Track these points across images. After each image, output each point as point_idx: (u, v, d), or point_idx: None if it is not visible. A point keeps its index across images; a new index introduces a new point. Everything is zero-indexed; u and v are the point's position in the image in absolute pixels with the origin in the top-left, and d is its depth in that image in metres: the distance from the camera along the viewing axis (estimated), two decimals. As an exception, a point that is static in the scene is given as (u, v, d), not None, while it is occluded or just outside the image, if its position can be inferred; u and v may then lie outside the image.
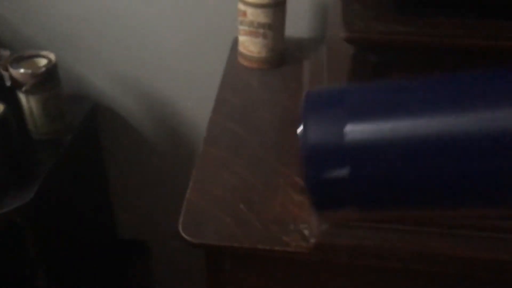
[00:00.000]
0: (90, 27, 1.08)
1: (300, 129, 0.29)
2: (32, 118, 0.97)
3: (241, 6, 0.85)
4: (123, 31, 1.08)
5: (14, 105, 0.93)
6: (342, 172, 0.26)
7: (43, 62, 0.95)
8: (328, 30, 0.91)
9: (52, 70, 0.94)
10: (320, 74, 0.86)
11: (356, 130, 0.26)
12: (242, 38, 0.89)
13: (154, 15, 1.05)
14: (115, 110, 1.21)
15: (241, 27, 0.88)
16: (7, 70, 0.93)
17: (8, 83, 0.94)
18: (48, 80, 0.94)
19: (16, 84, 0.92)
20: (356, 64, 0.44)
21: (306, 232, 0.58)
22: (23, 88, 0.92)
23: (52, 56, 0.96)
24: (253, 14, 0.85)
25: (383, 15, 0.44)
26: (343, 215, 0.32)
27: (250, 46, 0.89)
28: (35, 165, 0.97)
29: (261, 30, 0.86)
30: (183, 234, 0.58)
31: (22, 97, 0.94)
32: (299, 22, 1.01)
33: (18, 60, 0.94)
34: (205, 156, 0.69)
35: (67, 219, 1.10)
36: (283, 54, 0.91)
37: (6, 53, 1.01)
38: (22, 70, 0.91)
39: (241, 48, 0.91)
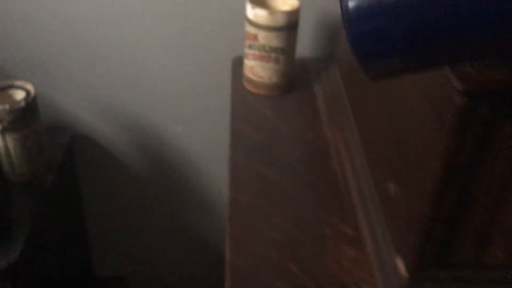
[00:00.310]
0: (64, 52, 0.97)
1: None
2: (9, 158, 0.85)
3: (251, 29, 0.77)
4: (102, 55, 0.97)
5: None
6: (380, 23, 0.31)
7: (20, 94, 0.83)
8: (340, 51, 0.85)
9: (31, 104, 0.82)
10: (337, 99, 0.80)
11: None
12: (250, 63, 0.81)
13: (135, 35, 0.95)
14: (95, 140, 1.09)
15: (249, 51, 0.80)
16: (-22, 106, 0.80)
17: (-20, 121, 0.81)
18: (27, 115, 0.82)
19: (-9, 122, 0.80)
20: (465, 117, 0.37)
21: (370, 293, 0.51)
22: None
23: (30, 87, 0.84)
24: (266, 38, 0.77)
25: (491, 61, 0.38)
26: (388, 68, 0.34)
27: (260, 71, 0.81)
28: (15, 213, 0.84)
29: (273, 55, 0.79)
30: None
31: (-2, 136, 0.82)
32: (301, 41, 0.94)
33: (-9, 94, 0.81)
34: (236, 206, 0.61)
35: (44, 261, 0.97)
36: (294, 78, 0.84)
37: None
38: (-2, 106, 0.79)
39: (248, 73, 0.83)
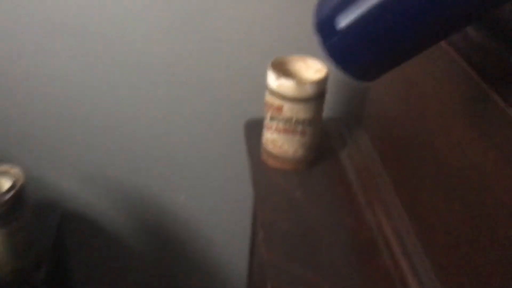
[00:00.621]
0: (51, 124, 0.86)
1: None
2: (-7, 257, 0.72)
3: (275, 101, 0.68)
4: (93, 124, 0.87)
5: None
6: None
7: (5, 182, 0.71)
8: (368, 113, 0.76)
9: (19, 195, 0.70)
10: (371, 170, 0.71)
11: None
12: (272, 136, 0.72)
13: (128, 100, 0.85)
14: (87, 218, 0.97)
15: (271, 124, 0.71)
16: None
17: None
18: (15, 208, 0.70)
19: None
20: None
21: None
22: (-18, 225, 0.68)
23: (17, 173, 0.72)
24: (292, 110, 0.68)
25: None
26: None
27: (285, 145, 0.71)
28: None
29: (299, 127, 0.70)
30: None
31: (-20, 235, 0.69)
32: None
33: (-29, 185, 0.69)
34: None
35: None
36: (318, 148, 0.75)
37: None
38: (-20, 202, 0.67)
39: (269, 147, 0.73)
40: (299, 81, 0.66)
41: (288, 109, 0.68)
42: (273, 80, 0.67)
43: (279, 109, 0.68)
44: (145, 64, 0.81)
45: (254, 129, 0.82)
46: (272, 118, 0.70)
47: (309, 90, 0.66)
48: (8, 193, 0.69)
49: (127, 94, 0.84)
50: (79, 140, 0.88)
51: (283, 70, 0.71)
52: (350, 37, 0.36)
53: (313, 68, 0.72)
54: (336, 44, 0.37)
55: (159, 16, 0.78)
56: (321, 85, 0.67)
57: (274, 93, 0.68)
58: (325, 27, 0.37)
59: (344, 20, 0.36)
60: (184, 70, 0.83)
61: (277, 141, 0.72)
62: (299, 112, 0.68)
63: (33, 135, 0.86)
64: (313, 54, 0.70)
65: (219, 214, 1.00)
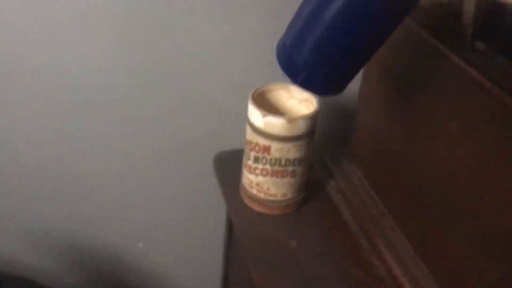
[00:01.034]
0: None
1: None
2: None
3: (260, 140, 0.58)
4: (23, 169, 0.72)
5: None
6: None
7: None
8: (358, 139, 0.69)
9: None
10: (366, 205, 0.63)
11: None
12: (257, 179, 0.62)
13: (60, 139, 0.71)
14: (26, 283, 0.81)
15: (256, 165, 0.61)
16: None
17: None
18: None
19: None
20: None
21: None
22: None
23: None
24: (282, 150, 0.58)
25: None
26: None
27: (272, 188, 0.62)
28: None
29: (290, 168, 0.60)
30: None
31: None
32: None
33: None
34: None
35: None
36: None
37: None
38: None
39: (254, 191, 0.63)
40: (290, 118, 0.56)
41: (277, 149, 0.58)
42: (258, 118, 0.57)
43: (266, 149, 0.58)
44: (86, 97, 0.68)
45: (224, 163, 0.72)
46: (256, 159, 0.60)
47: (301, 127, 0.57)
48: None
49: (66, 132, 0.70)
50: (7, 188, 0.73)
51: (264, 102, 0.61)
52: (313, 69, 0.42)
53: (297, 98, 0.63)
54: (305, 79, 0.43)
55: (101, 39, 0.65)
56: (314, 120, 0.58)
57: (259, 132, 0.58)
58: (289, 68, 0.43)
59: (302, 58, 0.42)
60: (133, 102, 0.70)
61: (263, 184, 0.62)
62: (290, 151, 0.58)
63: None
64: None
65: (185, 263, 0.88)
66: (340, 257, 0.59)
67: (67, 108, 0.67)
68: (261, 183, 0.62)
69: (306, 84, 0.43)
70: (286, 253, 0.59)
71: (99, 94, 0.68)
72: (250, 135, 0.59)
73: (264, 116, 0.56)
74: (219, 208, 0.82)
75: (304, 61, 0.42)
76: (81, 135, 0.70)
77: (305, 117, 0.57)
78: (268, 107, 0.59)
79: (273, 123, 0.56)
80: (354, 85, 0.59)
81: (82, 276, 0.85)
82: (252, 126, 0.58)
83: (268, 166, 0.60)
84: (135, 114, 0.71)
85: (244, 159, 0.63)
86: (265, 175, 0.61)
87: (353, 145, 0.70)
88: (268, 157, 0.59)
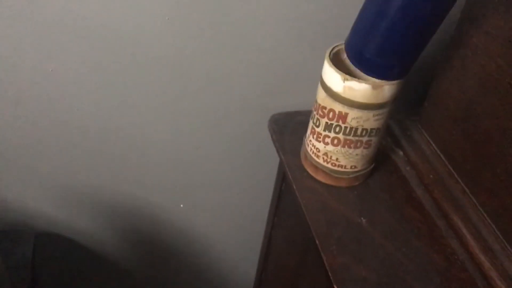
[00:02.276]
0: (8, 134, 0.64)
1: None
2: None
3: (337, 106, 0.52)
4: (66, 128, 0.66)
5: None
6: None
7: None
8: (432, 105, 0.62)
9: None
10: (441, 178, 0.57)
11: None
12: (326, 148, 0.56)
13: (112, 94, 0.65)
14: (63, 240, 0.78)
15: (328, 133, 0.54)
16: None
17: None
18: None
19: None
20: None
21: None
22: None
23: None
24: (360, 119, 0.52)
25: None
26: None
27: (342, 159, 0.56)
28: None
29: (365, 139, 0.54)
30: None
31: None
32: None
33: None
34: None
35: None
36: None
37: None
38: None
39: (321, 161, 0.57)
40: (375, 83, 0.49)
41: (355, 118, 0.52)
42: (338, 82, 0.50)
43: (342, 117, 0.52)
44: (143, 60, 0.61)
45: (282, 128, 0.66)
46: (328, 127, 0.54)
47: (386, 94, 0.50)
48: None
49: (111, 92, 0.64)
50: (49, 148, 0.67)
51: (338, 63, 0.54)
52: (382, 59, 0.48)
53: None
54: (376, 68, 0.49)
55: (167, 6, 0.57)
56: (399, 87, 0.51)
57: (336, 97, 0.51)
58: (359, 61, 0.50)
59: (370, 51, 0.48)
60: (188, 63, 0.63)
61: (332, 154, 0.56)
62: (368, 121, 0.52)
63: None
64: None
65: (228, 227, 0.84)
66: (414, 238, 0.54)
67: (117, 64, 0.61)
68: (330, 153, 0.56)
69: (378, 73, 0.49)
70: (355, 230, 0.54)
71: (155, 52, 0.61)
72: (323, 99, 0.53)
73: (345, 80, 0.49)
74: (268, 172, 0.77)
75: (373, 53, 0.48)
76: (130, 92, 0.64)
77: (392, 84, 0.50)
78: (343, 69, 0.52)
79: (355, 89, 0.49)
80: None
81: (120, 236, 0.82)
82: (328, 90, 0.52)
83: (341, 135, 0.54)
84: (188, 71, 0.64)
85: (312, 124, 0.57)
86: (336, 145, 0.55)
87: (428, 113, 0.63)
88: (343, 126, 0.53)
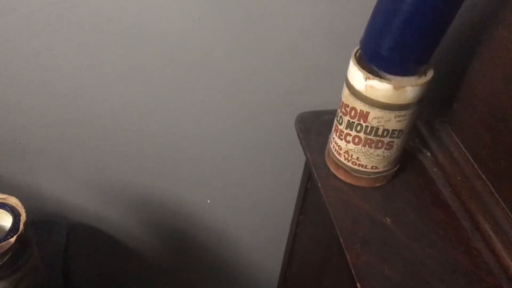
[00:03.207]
0: (43, 127, 0.67)
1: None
2: (-7, 312, 0.56)
3: (359, 105, 0.52)
4: (100, 122, 0.68)
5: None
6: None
7: (3, 220, 0.54)
8: (466, 109, 0.61)
9: (25, 236, 0.53)
10: (469, 182, 0.57)
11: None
12: (348, 147, 0.56)
13: (140, 97, 0.67)
14: (95, 232, 0.81)
15: (349, 132, 0.55)
16: None
17: None
18: (21, 253, 0.53)
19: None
20: None
21: None
22: (-22, 281, 0.51)
23: (18, 206, 0.54)
24: (381, 119, 0.52)
25: None
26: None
27: (363, 158, 0.56)
28: None
29: (386, 139, 0.54)
30: None
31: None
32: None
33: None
34: None
35: None
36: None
37: None
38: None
39: (342, 159, 0.58)
40: (397, 84, 0.49)
41: (376, 117, 0.52)
42: (359, 80, 0.50)
43: (364, 116, 0.52)
44: (173, 59, 0.63)
45: (309, 126, 0.67)
46: (350, 125, 0.54)
47: (408, 96, 0.50)
48: (8, 238, 0.51)
49: (143, 89, 0.66)
50: (84, 143, 0.70)
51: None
52: (398, 55, 0.49)
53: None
54: (392, 64, 0.50)
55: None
56: (424, 90, 0.51)
57: (358, 95, 0.51)
58: (375, 59, 0.50)
59: (386, 49, 0.49)
60: (217, 61, 0.65)
61: (353, 152, 0.56)
62: (390, 121, 0.52)
63: (25, 140, 0.68)
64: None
65: (254, 224, 0.85)
66: (439, 238, 0.54)
67: (148, 63, 0.63)
68: (351, 151, 0.56)
69: (394, 69, 0.50)
70: (380, 230, 0.54)
71: (185, 51, 0.62)
72: (346, 98, 0.53)
73: (366, 78, 0.50)
74: (294, 171, 0.78)
75: (388, 50, 0.48)
76: (160, 90, 0.66)
77: (415, 85, 0.50)
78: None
79: (377, 88, 0.50)
80: (452, 51, 0.52)
81: (148, 229, 0.84)
82: (351, 88, 0.52)
83: (361, 134, 0.54)
84: (217, 69, 0.65)
85: (335, 122, 0.57)
86: (357, 143, 0.55)
87: (457, 114, 0.62)
88: (364, 125, 0.53)
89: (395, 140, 0.55)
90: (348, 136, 0.56)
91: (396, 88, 0.49)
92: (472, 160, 0.59)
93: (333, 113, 0.62)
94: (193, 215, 0.83)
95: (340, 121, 0.56)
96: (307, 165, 0.73)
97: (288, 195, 0.82)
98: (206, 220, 0.85)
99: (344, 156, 0.57)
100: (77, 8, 0.57)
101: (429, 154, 0.64)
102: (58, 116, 0.66)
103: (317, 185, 0.60)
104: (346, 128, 0.55)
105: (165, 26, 0.60)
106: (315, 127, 0.68)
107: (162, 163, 0.75)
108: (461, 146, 0.61)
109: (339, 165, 0.59)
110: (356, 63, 0.51)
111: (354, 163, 0.57)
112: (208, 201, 0.82)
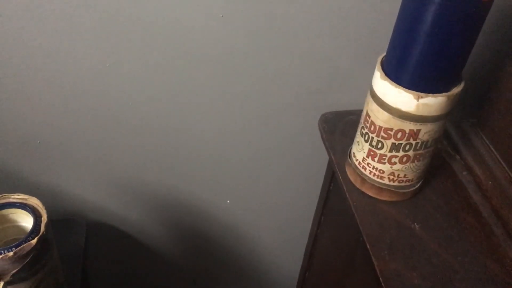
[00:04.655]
0: (61, 124, 0.66)
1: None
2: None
3: (407, 126, 0.49)
4: (117, 120, 0.68)
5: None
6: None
7: (24, 221, 0.53)
8: (497, 111, 0.59)
9: (46, 237, 0.52)
10: (502, 187, 0.55)
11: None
12: (395, 168, 0.53)
13: (161, 95, 0.66)
14: (114, 231, 0.80)
15: (396, 154, 0.51)
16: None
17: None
18: (40, 255, 0.52)
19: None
20: None
21: None
22: (1, 282, 0.50)
23: (39, 207, 0.54)
24: (431, 132, 0.49)
25: None
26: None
27: (410, 174, 0.54)
28: None
29: (431, 149, 0.52)
30: None
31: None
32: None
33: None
34: None
35: None
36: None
37: None
38: (-5, 254, 0.49)
39: (387, 181, 0.54)
40: (450, 93, 0.47)
41: (427, 132, 0.49)
42: (409, 101, 0.47)
43: (414, 134, 0.50)
44: (196, 57, 0.62)
45: (332, 127, 0.65)
46: (396, 148, 0.51)
47: (456, 100, 0.48)
48: (30, 239, 0.51)
49: (166, 88, 0.65)
50: (104, 141, 0.69)
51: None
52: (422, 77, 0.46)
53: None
54: (419, 85, 0.47)
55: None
56: (463, 90, 0.49)
57: (407, 116, 0.48)
58: (399, 81, 0.48)
59: (408, 74, 0.47)
60: (240, 60, 0.63)
61: (400, 172, 0.53)
62: (439, 130, 0.50)
63: (45, 139, 0.67)
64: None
65: (274, 224, 0.84)
66: (470, 245, 0.52)
67: (171, 61, 0.62)
68: (397, 171, 0.53)
69: (420, 88, 0.47)
70: (408, 236, 0.53)
71: (208, 49, 0.61)
72: (387, 121, 0.49)
73: (419, 98, 0.47)
74: (317, 171, 0.77)
75: (412, 73, 0.46)
76: (182, 89, 0.65)
77: (462, 88, 0.48)
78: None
79: (431, 104, 0.47)
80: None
81: (167, 229, 0.83)
82: (395, 112, 0.48)
83: (411, 152, 0.51)
84: (240, 68, 0.64)
85: (369, 147, 0.53)
86: (405, 162, 0.52)
87: (487, 115, 0.60)
88: (414, 142, 0.50)
89: (435, 147, 0.52)
90: (393, 158, 0.52)
91: (449, 98, 0.47)
92: (503, 164, 0.57)
93: (357, 114, 0.61)
94: (213, 215, 0.82)
95: (380, 146, 0.52)
96: (330, 166, 0.71)
97: (310, 196, 0.81)
98: (226, 221, 0.84)
99: (389, 178, 0.54)
100: (99, 6, 0.56)
101: (458, 157, 0.62)
102: (77, 115, 0.65)
103: (342, 188, 0.58)
104: (391, 151, 0.52)
105: (188, 25, 0.59)
106: (339, 127, 0.66)
107: (182, 163, 0.74)
108: (492, 149, 0.59)
109: (382, 188, 0.55)
110: (397, 85, 0.47)
111: (400, 181, 0.54)
112: (228, 201, 0.81)
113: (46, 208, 0.54)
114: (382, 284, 0.48)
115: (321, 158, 0.71)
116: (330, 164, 0.70)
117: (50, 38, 0.57)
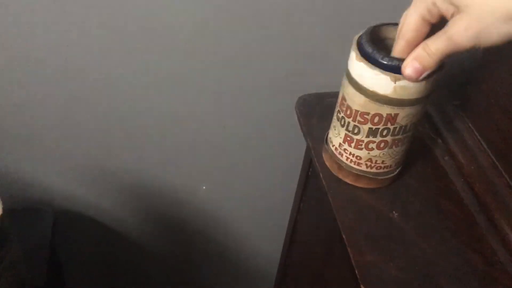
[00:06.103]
0: (27, 113, 0.62)
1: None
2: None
3: (385, 110, 0.45)
4: (87, 108, 0.64)
5: None
6: None
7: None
8: (482, 96, 0.57)
9: (1, 231, 0.49)
10: (485, 174, 0.52)
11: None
12: (372, 154, 0.50)
13: (128, 82, 0.62)
14: (83, 220, 0.77)
15: (373, 139, 0.49)
16: None
17: None
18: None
19: None
20: None
21: None
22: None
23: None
24: (409, 115, 0.46)
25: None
26: None
27: (388, 159, 0.51)
28: None
29: (410, 133, 0.49)
30: None
31: None
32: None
33: None
34: None
35: None
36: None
37: None
38: None
39: (364, 168, 0.51)
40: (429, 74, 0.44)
41: (406, 116, 0.46)
42: (386, 83, 0.44)
43: (391, 118, 0.46)
44: (169, 39, 0.58)
45: (310, 110, 0.62)
46: (373, 133, 0.48)
47: (435, 83, 0.45)
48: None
49: (140, 72, 0.61)
50: (71, 126, 0.65)
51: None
52: None
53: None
54: None
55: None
56: (446, 70, 0.46)
57: (383, 100, 0.45)
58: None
59: None
60: (214, 42, 0.60)
61: (378, 158, 0.50)
62: (417, 114, 0.47)
63: (9, 126, 0.63)
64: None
65: (252, 210, 0.81)
66: (451, 235, 0.49)
67: (144, 44, 0.58)
68: (375, 158, 0.50)
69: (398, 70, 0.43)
70: (386, 224, 0.50)
71: (182, 32, 0.57)
72: (364, 105, 0.46)
73: (396, 80, 0.44)
74: (296, 156, 0.74)
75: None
76: (154, 70, 0.61)
77: (443, 68, 0.45)
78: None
79: (409, 86, 0.43)
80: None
81: (141, 216, 0.80)
82: (372, 95, 0.45)
83: (389, 137, 0.48)
84: (214, 50, 0.60)
85: (345, 132, 0.50)
86: (383, 148, 0.49)
87: (471, 97, 0.57)
88: (392, 127, 0.47)
89: (414, 131, 0.50)
90: (371, 144, 0.49)
91: (428, 81, 0.44)
92: (487, 148, 0.54)
93: (337, 96, 0.58)
94: (188, 201, 0.79)
95: (356, 131, 0.49)
96: (307, 152, 0.68)
97: (290, 181, 0.78)
98: (203, 207, 0.81)
99: (366, 164, 0.51)
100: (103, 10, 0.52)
101: (440, 140, 0.59)
102: (41, 101, 0.61)
103: (318, 175, 0.56)
104: (368, 137, 0.49)
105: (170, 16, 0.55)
106: (318, 110, 0.63)
107: (153, 148, 0.71)
108: (476, 132, 0.56)
109: (359, 175, 0.53)
110: (371, 65, 0.44)
111: (378, 168, 0.51)
112: (204, 187, 0.78)
113: (2, 198, 0.50)
114: (358, 277, 0.45)
115: (301, 143, 0.68)
116: (307, 150, 0.67)
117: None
